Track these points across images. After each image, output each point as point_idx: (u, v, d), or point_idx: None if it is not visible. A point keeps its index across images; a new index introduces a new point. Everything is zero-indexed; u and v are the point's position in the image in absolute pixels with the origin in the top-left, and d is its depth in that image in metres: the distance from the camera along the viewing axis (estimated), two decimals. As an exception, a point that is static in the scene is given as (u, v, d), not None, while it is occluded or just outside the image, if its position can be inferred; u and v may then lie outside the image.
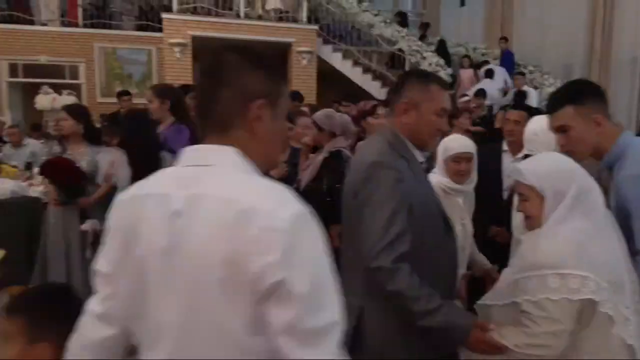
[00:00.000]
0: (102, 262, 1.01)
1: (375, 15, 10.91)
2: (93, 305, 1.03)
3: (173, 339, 0.89)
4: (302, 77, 9.93)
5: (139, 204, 0.94)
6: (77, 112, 3.38)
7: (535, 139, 2.17)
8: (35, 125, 7.12)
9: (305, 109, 4.35)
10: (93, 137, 3.43)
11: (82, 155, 3.31)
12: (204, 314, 0.87)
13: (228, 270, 0.84)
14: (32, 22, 10.82)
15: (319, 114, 3.02)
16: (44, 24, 10.84)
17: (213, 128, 0.98)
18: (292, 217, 0.87)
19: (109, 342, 1.01)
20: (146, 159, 2.93)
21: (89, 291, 3.01)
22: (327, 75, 10.53)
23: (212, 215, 0.87)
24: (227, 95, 0.96)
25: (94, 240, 3.31)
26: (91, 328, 1.02)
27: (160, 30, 11.04)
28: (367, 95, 8.89)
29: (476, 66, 10.59)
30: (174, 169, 0.98)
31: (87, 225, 3.27)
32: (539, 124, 2.17)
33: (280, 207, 0.87)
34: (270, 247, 0.84)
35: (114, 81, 11.22)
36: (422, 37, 11.23)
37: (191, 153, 0.99)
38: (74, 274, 3.35)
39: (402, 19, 11.70)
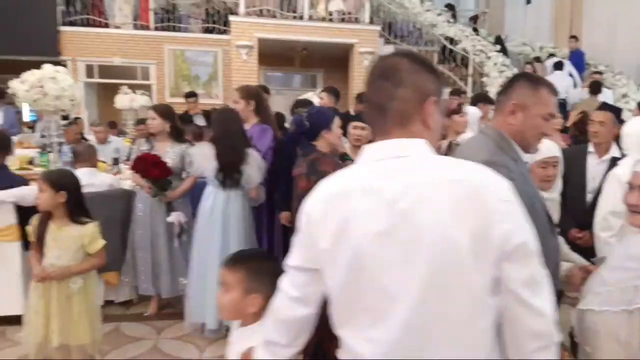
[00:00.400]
0: (297, 257, 1.15)
1: (439, 14, 10.81)
2: (288, 289, 1.17)
3: (411, 307, 0.99)
4: (363, 78, 9.97)
5: (347, 198, 1.04)
6: (164, 111, 3.57)
7: (633, 141, 2.13)
8: (111, 122, 7.56)
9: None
10: (178, 135, 3.62)
11: (168, 152, 3.51)
12: (449, 281, 0.99)
13: (475, 239, 0.98)
14: (106, 26, 11.42)
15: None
16: (118, 27, 11.42)
17: (393, 123, 1.09)
18: (510, 189, 1.05)
19: (305, 318, 1.18)
20: (232, 154, 3.09)
21: (173, 278, 3.16)
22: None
23: (442, 196, 0.99)
24: (405, 94, 1.08)
25: (180, 231, 3.51)
26: (288, 307, 1.17)
27: (225, 32, 11.42)
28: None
29: (537, 59, 10.29)
30: (369, 164, 1.08)
31: (173, 217, 3.46)
32: (637, 126, 2.14)
33: (499, 181, 1.05)
34: (507, 215, 1.00)
35: (182, 82, 11.68)
36: (474, 31, 11.05)
37: (381, 147, 1.10)
38: (159, 263, 3.56)
39: (452, 11, 11.55)
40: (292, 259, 1.16)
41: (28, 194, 3.32)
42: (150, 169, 3.34)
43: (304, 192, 2.53)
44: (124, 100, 7.84)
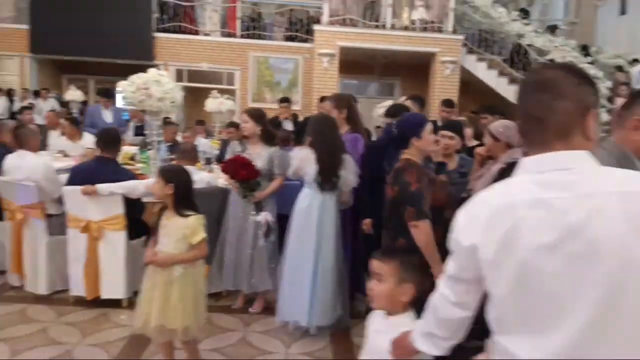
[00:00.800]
0: (454, 267, 1.21)
1: (526, 24, 10.49)
2: (448, 294, 1.24)
3: (584, 319, 1.00)
4: (444, 87, 9.88)
5: (512, 210, 1.07)
6: (256, 115, 3.73)
7: None
8: (200, 121, 8.01)
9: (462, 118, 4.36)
10: (269, 138, 3.76)
11: (259, 154, 3.66)
12: (627, 296, 0.99)
13: None
14: (196, 33, 12.05)
15: (497, 124, 3.03)
16: (207, 34, 12.01)
17: (553, 136, 1.10)
18: None
19: (464, 319, 1.26)
20: (331, 159, 3.20)
21: (255, 275, 3.25)
22: (468, 85, 10.37)
23: (614, 208, 0.99)
24: (566, 107, 1.09)
25: (267, 230, 3.64)
26: (448, 309, 1.25)
27: (306, 40, 11.72)
28: (508, 107, 8.57)
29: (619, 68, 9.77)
30: (531, 176, 1.10)
31: (261, 217, 3.61)
32: None
33: None
34: None
35: (264, 88, 12.09)
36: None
37: (541, 160, 1.10)
38: (244, 259, 3.70)
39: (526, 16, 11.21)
40: (450, 269, 1.21)
41: (135, 186, 3.61)
42: (239, 170, 3.49)
43: (389, 200, 2.58)
44: (214, 103, 8.24)
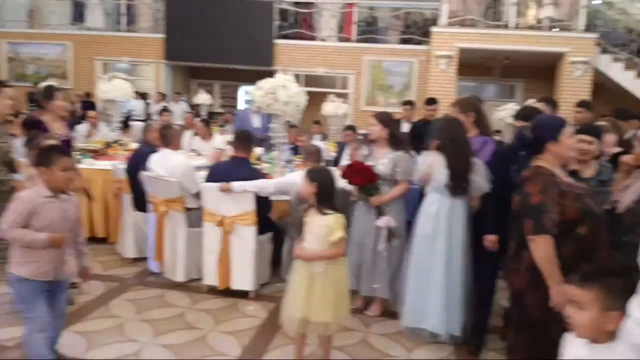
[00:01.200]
0: None
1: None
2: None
3: None
4: (574, 89, 9.18)
5: None
6: (384, 118, 3.74)
7: None
8: (316, 121, 8.24)
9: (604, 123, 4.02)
10: (396, 142, 3.74)
11: (383, 158, 3.66)
12: None
13: None
14: (313, 38, 12.41)
15: (649, 132, 2.77)
16: (323, 40, 12.31)
17: None
18: None
19: None
20: (462, 163, 3.12)
21: (373, 279, 3.25)
22: (600, 88, 9.54)
23: None
24: None
25: (389, 236, 3.63)
26: None
27: (421, 43, 11.54)
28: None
29: None
30: None
31: (382, 221, 3.60)
32: None
33: None
34: None
35: (377, 91, 12.12)
36: None
37: None
38: (364, 262, 3.73)
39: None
40: None
41: (266, 186, 3.81)
42: (354, 176, 3.53)
43: (514, 210, 2.42)
44: (331, 107, 8.43)
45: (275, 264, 4.29)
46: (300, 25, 12.45)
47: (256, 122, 6.45)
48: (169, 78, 13.18)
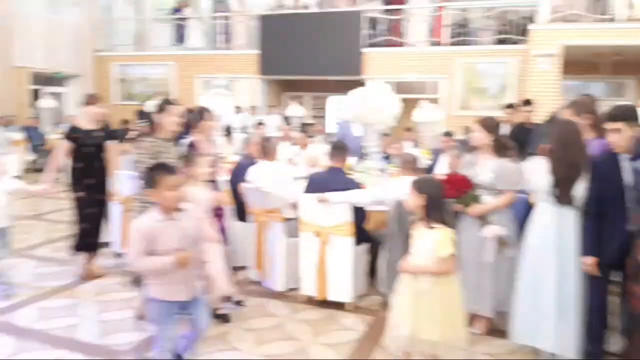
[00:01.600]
0: None
1: None
2: None
3: None
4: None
5: None
6: (487, 124, 3.53)
7: None
8: (408, 128, 8.09)
9: None
10: (501, 149, 3.53)
11: (486, 166, 3.46)
12: None
13: None
14: (402, 45, 12.24)
15: None
16: (413, 45, 12.11)
17: None
18: None
19: None
20: (571, 169, 2.88)
21: (481, 294, 2.99)
22: None
23: None
24: None
25: (500, 245, 3.40)
26: None
27: (518, 42, 10.96)
28: None
29: None
30: None
31: (488, 232, 3.40)
32: None
33: None
34: None
35: (470, 95, 11.68)
36: None
37: None
38: (467, 277, 3.52)
39: None
40: None
41: (363, 196, 3.76)
42: (445, 187, 3.36)
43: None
44: (422, 113, 8.25)
45: (372, 276, 4.23)
46: (390, 32, 12.35)
47: (357, 131, 6.41)
48: (262, 92, 13.65)
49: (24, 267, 4.71)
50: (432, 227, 2.57)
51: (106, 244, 4.91)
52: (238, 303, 3.85)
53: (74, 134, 4.33)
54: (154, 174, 2.45)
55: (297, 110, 12.83)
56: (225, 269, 3.32)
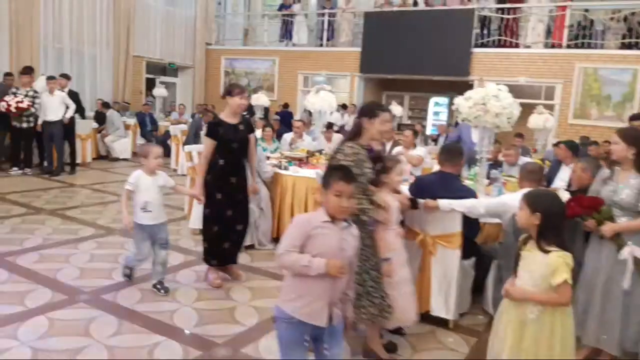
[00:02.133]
0: None
1: None
2: None
3: None
4: None
5: None
6: (630, 136, 3.08)
7: None
8: (518, 134, 7.54)
9: None
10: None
11: (627, 183, 3.01)
12: None
13: None
14: (516, 46, 11.51)
15: None
16: (528, 47, 11.34)
17: None
18: None
19: None
20: None
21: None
22: None
23: None
24: None
25: (637, 268, 2.95)
26: None
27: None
28: None
29: None
30: None
31: (626, 253, 2.93)
32: None
33: None
34: None
35: (589, 102, 10.73)
36: None
37: None
38: (592, 306, 3.09)
39: None
40: None
41: (476, 206, 3.44)
42: (569, 206, 2.98)
43: None
44: (538, 119, 7.63)
45: (475, 292, 3.89)
46: (503, 32, 11.67)
47: (475, 136, 6.02)
48: (361, 90, 13.51)
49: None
50: (545, 250, 2.22)
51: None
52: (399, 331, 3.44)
53: (218, 129, 3.90)
54: (331, 175, 2.20)
55: (397, 110, 12.56)
56: (413, 293, 3.12)
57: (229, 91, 3.97)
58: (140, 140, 11.45)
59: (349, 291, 2.32)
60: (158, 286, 3.85)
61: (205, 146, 3.96)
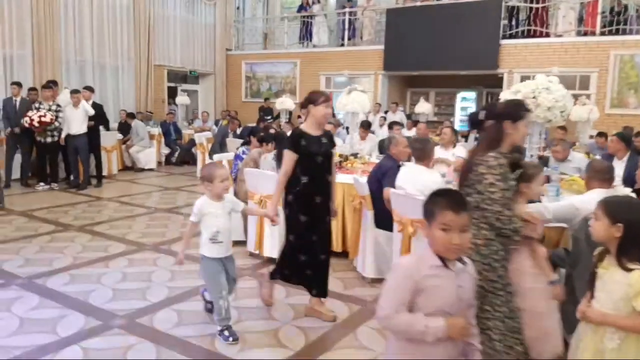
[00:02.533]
0: None
1: None
2: None
3: None
4: None
5: None
6: None
7: None
8: (561, 126, 7.14)
9: None
10: None
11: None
12: None
13: None
14: (547, 35, 11.07)
15: None
16: (559, 36, 10.90)
17: None
18: None
19: None
20: None
21: None
22: None
23: None
24: None
25: None
26: None
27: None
28: None
29: None
30: None
31: None
32: None
33: None
34: None
35: (627, 91, 10.24)
36: None
37: None
38: None
39: None
40: None
41: (542, 211, 3.12)
42: None
43: None
44: (582, 111, 7.23)
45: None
46: (532, 22, 11.24)
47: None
48: (385, 88, 13.20)
49: (162, 264, 4.69)
50: (627, 268, 1.89)
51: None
52: None
53: (300, 140, 3.39)
54: (434, 202, 1.76)
55: (425, 107, 12.22)
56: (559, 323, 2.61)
57: (312, 100, 3.40)
58: (165, 150, 11.33)
59: (474, 338, 1.90)
60: (226, 333, 3.21)
61: (285, 161, 3.42)
